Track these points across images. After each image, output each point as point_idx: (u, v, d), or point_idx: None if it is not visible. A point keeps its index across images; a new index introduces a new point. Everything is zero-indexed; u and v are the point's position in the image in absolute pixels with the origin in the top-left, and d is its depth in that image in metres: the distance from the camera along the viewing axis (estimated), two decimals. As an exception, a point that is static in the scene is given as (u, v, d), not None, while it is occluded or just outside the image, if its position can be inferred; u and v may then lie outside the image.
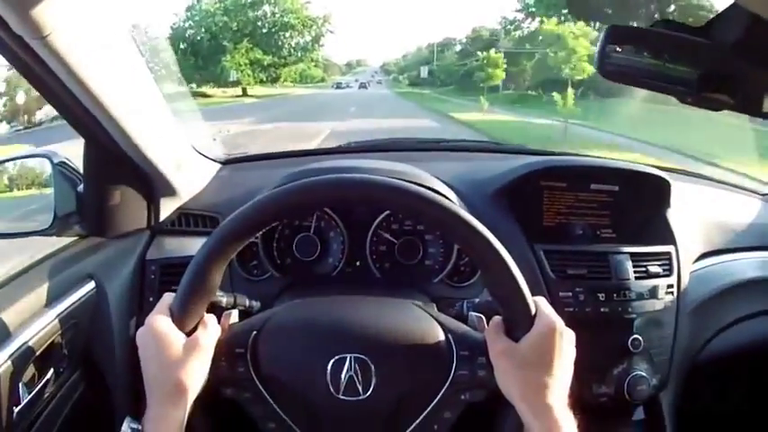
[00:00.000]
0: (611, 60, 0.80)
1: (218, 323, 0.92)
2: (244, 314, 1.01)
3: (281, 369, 0.91)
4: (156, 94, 1.19)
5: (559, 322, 0.85)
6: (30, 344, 0.99)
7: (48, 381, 1.07)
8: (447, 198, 1.02)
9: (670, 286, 1.42)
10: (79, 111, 1.06)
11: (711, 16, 0.74)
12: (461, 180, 1.50)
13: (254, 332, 0.91)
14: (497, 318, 0.89)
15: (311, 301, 1.05)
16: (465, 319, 0.99)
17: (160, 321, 0.85)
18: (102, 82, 1.01)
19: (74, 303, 1.14)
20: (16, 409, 0.97)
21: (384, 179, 0.87)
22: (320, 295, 1.06)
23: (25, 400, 1.00)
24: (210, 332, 0.88)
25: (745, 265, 1.64)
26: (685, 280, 1.47)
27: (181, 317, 0.86)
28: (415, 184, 0.90)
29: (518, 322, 0.85)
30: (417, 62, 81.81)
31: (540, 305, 0.87)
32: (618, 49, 0.79)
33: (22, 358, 0.97)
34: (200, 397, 0.86)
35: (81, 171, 1.30)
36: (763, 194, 1.90)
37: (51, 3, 0.81)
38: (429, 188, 0.97)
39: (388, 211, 1.39)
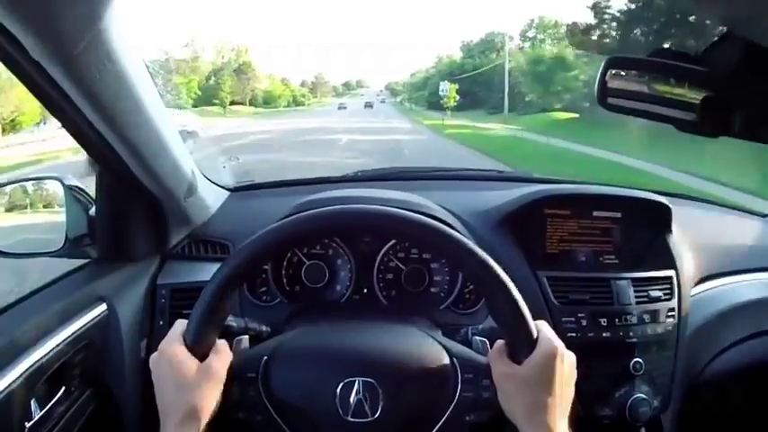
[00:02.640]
0: (611, 92, 0.82)
1: (230, 348, 0.94)
2: (254, 339, 1.04)
3: (291, 393, 0.93)
4: (168, 121, 1.22)
5: (560, 345, 0.88)
6: (42, 362, 1.01)
7: (59, 399, 1.09)
8: (451, 226, 1.04)
9: (671, 310, 1.44)
10: (93, 136, 1.08)
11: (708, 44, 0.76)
12: (466, 208, 1.53)
13: (265, 357, 0.94)
14: (500, 341, 0.92)
15: (320, 328, 1.09)
16: (469, 344, 1.02)
17: (174, 347, 0.88)
18: (116, 109, 1.03)
19: (86, 325, 1.15)
20: (27, 425, 0.99)
21: (389, 209, 0.91)
22: (328, 322, 1.08)
23: (37, 417, 1.01)
24: (223, 357, 0.91)
25: (746, 288, 1.66)
26: (686, 303, 1.48)
27: (194, 343, 0.88)
28: (419, 212, 0.94)
29: (520, 346, 0.88)
30: (427, 80, 77.34)
31: (542, 329, 0.90)
32: (615, 79, 0.82)
33: (35, 375, 0.99)
34: (213, 421, 0.88)
35: (92, 194, 1.32)
36: (765, 215, 1.91)
37: (71, 30, 0.83)
38: (433, 217, 1.01)
39: (394, 240, 1.42)
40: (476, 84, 58.16)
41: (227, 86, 58.13)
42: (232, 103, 58.05)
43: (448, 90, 48.38)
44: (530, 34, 57.79)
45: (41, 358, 1.01)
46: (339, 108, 64.37)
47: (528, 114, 38.17)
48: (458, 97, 48.75)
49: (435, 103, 55.41)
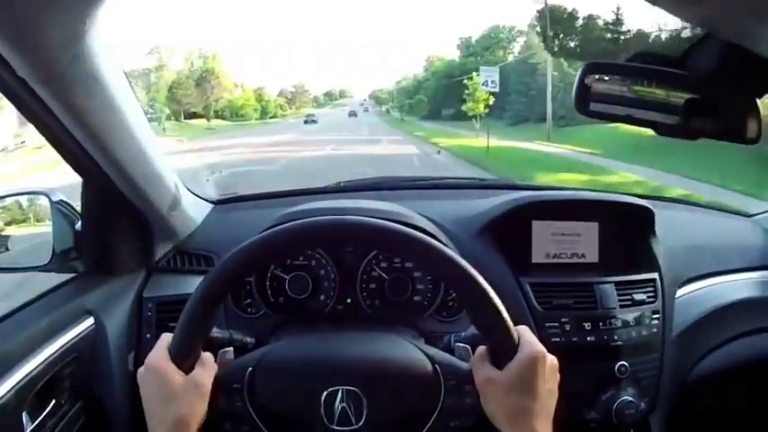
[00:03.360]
0: (590, 97, 0.83)
1: (215, 360, 0.95)
2: (239, 350, 1.04)
3: (276, 402, 0.93)
4: (151, 136, 1.22)
5: (542, 349, 0.88)
6: (32, 375, 1.02)
7: (50, 411, 1.10)
8: (432, 235, 1.05)
9: (655, 312, 1.46)
10: (78, 151, 1.09)
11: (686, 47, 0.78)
12: (448, 217, 1.54)
13: (250, 368, 0.94)
14: (482, 347, 0.93)
15: (304, 338, 1.10)
16: (452, 351, 1.03)
17: (159, 361, 0.88)
18: (100, 125, 1.04)
19: (74, 338, 1.16)
20: None
21: (370, 220, 0.91)
22: (313, 332, 1.10)
23: (28, 430, 1.02)
24: (208, 369, 0.91)
25: (731, 288, 1.67)
26: (671, 305, 1.50)
27: (179, 356, 0.89)
28: (400, 222, 0.96)
29: (502, 351, 0.89)
30: (419, 84, 63.03)
31: (523, 334, 0.90)
32: (596, 85, 0.83)
33: (25, 389, 1.00)
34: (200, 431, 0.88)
35: (78, 209, 1.33)
36: (751, 215, 1.94)
37: (56, 49, 0.84)
38: (414, 226, 1.02)
39: (376, 250, 1.43)
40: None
41: (187, 97, 50.75)
42: (191, 115, 50.31)
43: (496, 78, 25.21)
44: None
45: (31, 372, 1.02)
46: (306, 122, 48.34)
47: (569, 126, 25.53)
48: (491, 99, 25.82)
49: (435, 112, 47.94)
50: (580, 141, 21.65)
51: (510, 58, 46.10)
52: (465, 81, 27.31)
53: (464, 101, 27.07)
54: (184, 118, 49.73)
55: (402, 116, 56.28)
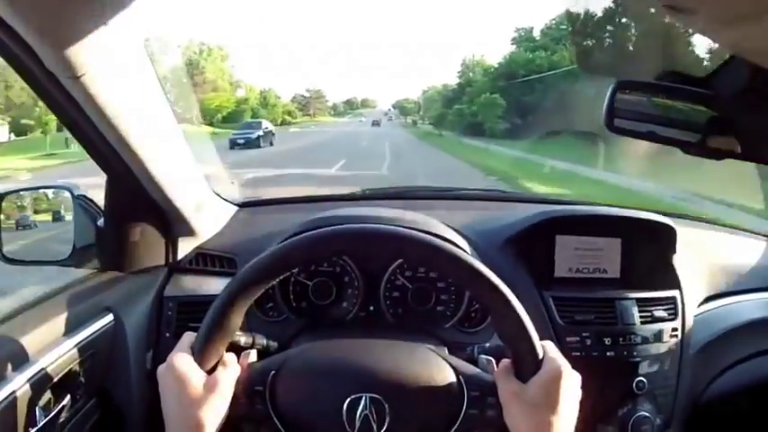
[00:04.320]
0: (618, 113, 0.83)
1: (238, 362, 0.95)
2: (261, 354, 1.04)
3: (298, 407, 0.93)
4: (179, 135, 1.23)
5: (566, 365, 0.89)
6: (48, 370, 1.02)
7: (64, 407, 1.09)
8: (458, 246, 1.05)
9: (674, 329, 1.45)
10: (104, 148, 1.09)
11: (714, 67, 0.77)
12: (473, 229, 1.54)
13: (273, 371, 0.94)
14: (506, 360, 0.93)
15: (327, 344, 1.09)
16: (475, 362, 1.02)
17: (181, 360, 0.88)
18: (128, 122, 1.05)
19: (92, 334, 1.16)
20: (32, 431, 0.99)
21: (397, 229, 0.92)
22: (335, 338, 1.09)
23: (41, 424, 1.02)
24: (230, 371, 0.91)
25: (749, 307, 1.66)
26: (690, 323, 1.49)
27: (202, 356, 0.89)
28: (427, 232, 0.96)
29: (526, 365, 0.89)
30: (455, 93, 48.84)
31: (548, 348, 0.91)
32: (623, 102, 0.83)
33: (40, 383, 1.00)
34: None
35: (100, 205, 1.34)
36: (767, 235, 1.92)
37: (86, 44, 0.84)
38: (440, 236, 1.02)
39: (402, 259, 1.43)
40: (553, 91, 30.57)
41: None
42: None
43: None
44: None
45: (47, 366, 1.02)
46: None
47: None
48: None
49: (477, 125, 35.62)
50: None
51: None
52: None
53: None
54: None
55: (440, 132, 45.19)
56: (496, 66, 44.34)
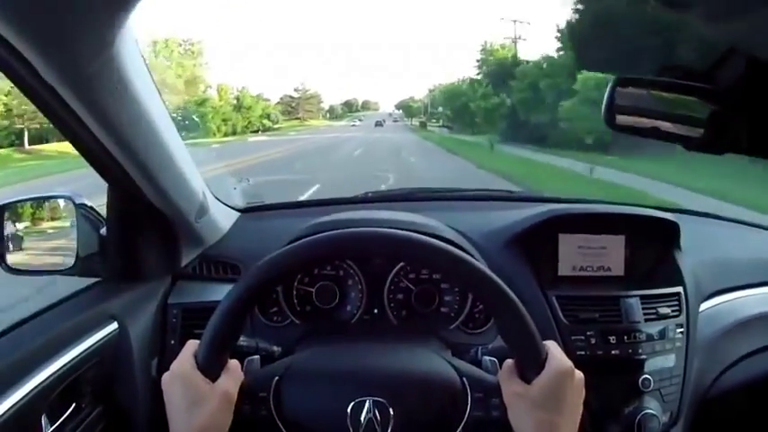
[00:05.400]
0: (619, 110, 0.83)
1: (242, 368, 0.95)
2: (265, 359, 1.05)
3: (302, 412, 0.94)
4: (179, 142, 1.23)
5: (570, 365, 0.89)
6: (53, 378, 1.02)
7: (70, 415, 1.10)
8: (460, 248, 1.05)
9: (680, 326, 1.45)
10: (105, 157, 1.09)
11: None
12: (475, 229, 1.54)
13: (277, 377, 0.95)
14: (510, 361, 0.93)
15: (331, 348, 1.10)
16: (479, 363, 1.03)
17: (185, 368, 0.89)
18: (128, 131, 1.05)
19: (97, 342, 1.16)
20: None
21: (397, 232, 0.92)
22: (339, 342, 1.09)
23: None
24: (234, 377, 0.92)
25: (755, 302, 1.66)
26: (695, 319, 1.49)
27: (206, 363, 0.89)
28: (429, 234, 0.96)
29: (530, 365, 0.89)
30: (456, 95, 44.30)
31: (551, 348, 0.91)
32: (624, 98, 0.82)
33: (46, 391, 1.00)
34: None
35: (102, 214, 1.33)
36: None
37: (83, 53, 0.84)
38: (442, 238, 1.02)
39: (404, 262, 1.43)
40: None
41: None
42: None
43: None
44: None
45: (53, 374, 1.02)
46: None
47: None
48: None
49: (534, 129, 26.75)
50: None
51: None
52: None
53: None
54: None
55: (484, 140, 28.97)
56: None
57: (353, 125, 68.06)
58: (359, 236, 0.94)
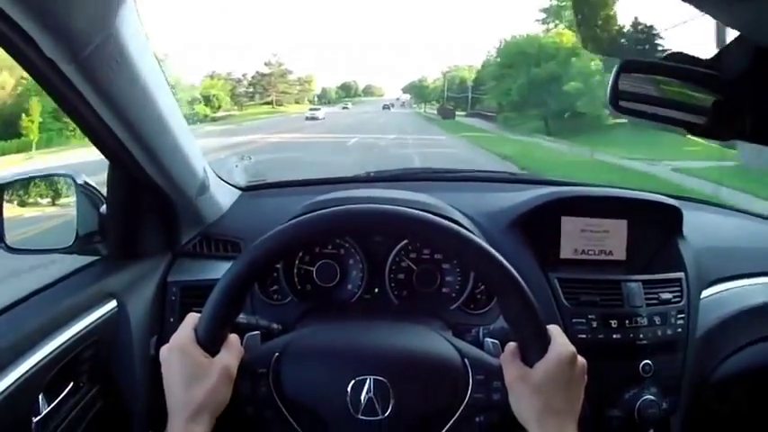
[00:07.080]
0: (623, 95, 0.82)
1: (241, 344, 0.95)
2: (265, 336, 1.04)
3: (302, 389, 0.93)
4: (181, 120, 1.23)
5: (573, 350, 0.89)
6: (51, 357, 1.01)
7: (67, 394, 1.10)
8: (463, 227, 1.05)
9: (681, 312, 1.44)
10: (106, 134, 1.09)
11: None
12: (478, 210, 1.54)
13: (277, 353, 0.95)
14: (512, 344, 0.93)
15: (332, 326, 1.10)
16: (481, 345, 1.03)
17: (185, 341, 0.88)
18: (129, 107, 1.04)
19: (95, 321, 1.16)
20: (35, 420, 0.99)
21: (400, 209, 0.91)
22: (339, 321, 1.09)
23: (44, 412, 1.02)
24: (234, 353, 0.91)
25: (757, 291, 1.66)
26: (696, 306, 1.49)
27: (206, 337, 0.89)
28: (432, 213, 0.95)
29: (533, 349, 0.89)
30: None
31: (554, 333, 0.91)
32: (628, 82, 0.82)
33: (43, 370, 0.99)
34: (222, 416, 0.88)
35: (103, 192, 1.33)
36: None
37: (84, 28, 0.83)
38: (446, 217, 1.01)
39: (406, 240, 1.43)
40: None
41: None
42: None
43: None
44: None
45: (50, 353, 1.01)
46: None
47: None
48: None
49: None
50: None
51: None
52: None
53: None
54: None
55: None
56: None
57: (312, 118, 43.24)
58: (361, 212, 0.93)
